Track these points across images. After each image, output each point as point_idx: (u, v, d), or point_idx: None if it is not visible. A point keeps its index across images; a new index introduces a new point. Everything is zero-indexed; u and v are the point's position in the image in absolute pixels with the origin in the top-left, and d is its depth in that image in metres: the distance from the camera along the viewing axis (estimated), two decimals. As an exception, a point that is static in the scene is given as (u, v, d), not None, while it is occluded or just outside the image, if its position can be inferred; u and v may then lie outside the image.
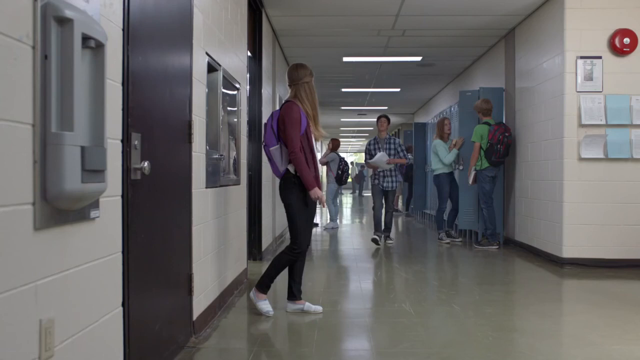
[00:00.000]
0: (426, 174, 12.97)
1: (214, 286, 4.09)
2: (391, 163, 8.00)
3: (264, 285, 4.21)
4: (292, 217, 4.11)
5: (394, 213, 8.67)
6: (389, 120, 8.38)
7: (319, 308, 4.29)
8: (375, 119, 8.45)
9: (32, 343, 1.71)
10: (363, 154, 10.17)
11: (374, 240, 8.13)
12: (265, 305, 4.18)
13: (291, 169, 4.07)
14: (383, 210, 8.33)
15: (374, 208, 8.39)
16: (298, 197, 4.09)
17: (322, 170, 15.15)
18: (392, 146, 8.17)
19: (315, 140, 4.25)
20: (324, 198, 4.11)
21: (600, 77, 6.16)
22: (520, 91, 7.73)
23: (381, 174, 8.16)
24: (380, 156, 7.98)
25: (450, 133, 8.72)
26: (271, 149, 4.08)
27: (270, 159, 4.14)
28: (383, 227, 8.28)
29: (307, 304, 4.27)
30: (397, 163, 8.17)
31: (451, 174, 8.47)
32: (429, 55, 9.71)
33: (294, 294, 4.25)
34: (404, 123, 20.50)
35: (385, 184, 8.16)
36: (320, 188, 4.15)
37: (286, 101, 4.18)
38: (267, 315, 4.14)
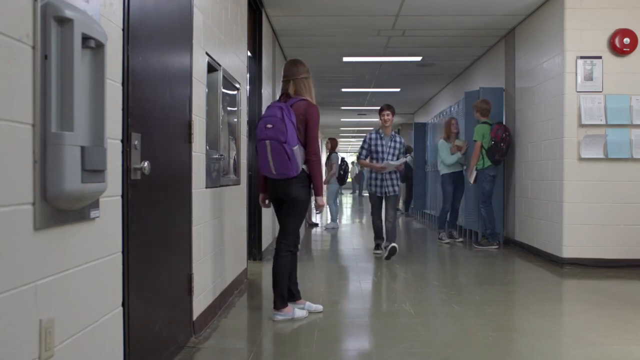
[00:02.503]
0: (426, 174, 12.97)
1: (214, 286, 4.09)
2: (399, 169, 6.85)
3: (284, 299, 4.05)
4: (300, 215, 4.06)
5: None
6: (394, 111, 6.97)
7: (320, 307, 4.29)
8: (378, 111, 7.02)
9: (32, 343, 1.71)
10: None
11: (377, 254, 7.08)
12: (299, 312, 4.10)
13: (305, 168, 3.98)
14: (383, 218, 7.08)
15: (372, 215, 7.11)
16: (310, 196, 4.08)
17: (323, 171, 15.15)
18: (398, 145, 6.89)
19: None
20: (322, 208, 4.12)
21: (600, 77, 6.16)
22: (520, 91, 7.73)
23: (379, 177, 6.84)
24: (399, 162, 6.73)
25: (458, 132, 8.69)
26: (294, 148, 3.82)
27: (289, 157, 3.81)
28: (384, 236, 7.00)
29: (308, 303, 4.27)
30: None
31: (454, 174, 8.45)
32: (429, 55, 9.71)
33: (293, 294, 4.25)
34: (404, 123, 20.50)
35: (386, 190, 6.84)
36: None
37: (301, 99, 3.99)
38: (306, 316, 4.10)
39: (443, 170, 8.52)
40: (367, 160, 6.90)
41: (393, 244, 6.71)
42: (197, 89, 3.63)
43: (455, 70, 11.21)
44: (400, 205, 15.42)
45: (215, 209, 4.15)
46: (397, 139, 6.94)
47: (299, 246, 4.22)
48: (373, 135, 6.88)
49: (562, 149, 6.23)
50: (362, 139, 6.93)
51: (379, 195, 6.90)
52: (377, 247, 7.22)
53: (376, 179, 6.87)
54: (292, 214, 4.03)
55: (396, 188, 6.89)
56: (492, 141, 7.63)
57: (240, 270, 5.21)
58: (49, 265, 1.80)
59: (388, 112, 6.87)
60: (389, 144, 6.82)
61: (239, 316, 4.28)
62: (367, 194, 7.14)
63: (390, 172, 6.83)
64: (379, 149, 6.80)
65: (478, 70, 10.15)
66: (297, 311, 4.10)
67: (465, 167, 8.39)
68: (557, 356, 3.35)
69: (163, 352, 2.98)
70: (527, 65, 7.44)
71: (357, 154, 6.89)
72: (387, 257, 6.69)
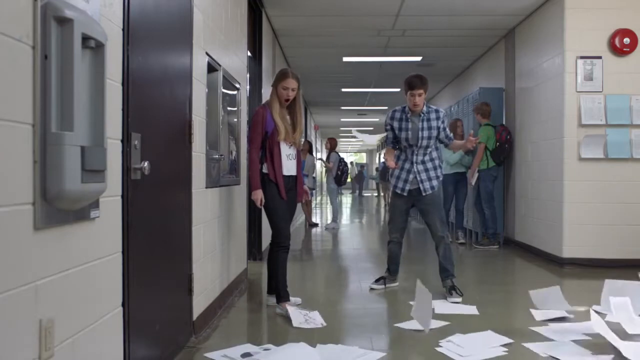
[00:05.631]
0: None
1: (214, 286, 4.09)
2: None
3: (285, 293, 4.22)
4: (267, 212, 4.26)
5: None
6: (427, 87, 4.77)
7: (298, 299, 4.44)
8: (404, 88, 4.78)
9: (32, 343, 1.71)
10: (363, 154, 9.18)
11: (376, 288, 5.06)
12: (293, 311, 4.10)
13: (264, 168, 4.20)
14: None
15: (390, 228, 4.99)
16: (272, 193, 4.18)
17: (321, 170, 15.14)
18: (435, 124, 4.71)
19: (294, 144, 4.29)
20: (259, 203, 4.17)
21: (600, 77, 6.16)
22: (520, 91, 7.73)
23: (407, 165, 4.75)
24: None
25: (463, 134, 8.69)
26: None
27: None
28: (439, 266, 4.93)
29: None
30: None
31: (456, 175, 8.44)
32: (429, 55, 9.71)
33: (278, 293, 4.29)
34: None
35: (420, 185, 4.71)
36: (299, 190, 4.36)
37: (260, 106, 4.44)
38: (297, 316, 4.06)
39: (445, 170, 8.52)
40: (391, 152, 4.82)
41: (455, 288, 4.63)
42: (197, 89, 3.63)
43: (455, 70, 11.21)
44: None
45: (215, 209, 4.15)
46: (432, 116, 4.73)
47: (285, 243, 4.26)
48: (396, 114, 4.81)
49: (562, 149, 6.23)
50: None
51: (406, 195, 4.76)
52: (380, 279, 5.14)
53: (402, 168, 4.76)
54: (265, 211, 4.31)
55: (435, 183, 4.73)
56: (497, 143, 7.70)
57: (240, 270, 5.21)
58: (49, 265, 1.80)
59: (420, 90, 4.64)
60: (420, 125, 4.69)
61: (239, 316, 4.28)
62: (390, 197, 5.20)
63: (424, 157, 4.73)
64: (402, 134, 4.72)
65: (478, 70, 10.15)
66: (291, 309, 4.10)
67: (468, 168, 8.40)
68: (557, 356, 3.34)
69: (163, 352, 2.98)
70: (527, 65, 7.44)
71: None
72: (450, 290, 4.68)
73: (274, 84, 4.30)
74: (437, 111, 4.77)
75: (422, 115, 4.70)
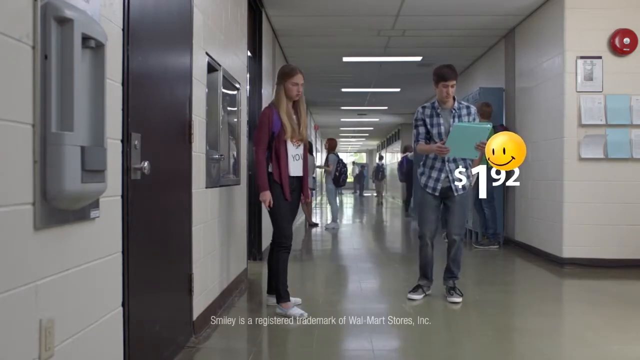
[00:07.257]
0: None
1: (214, 286, 4.09)
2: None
3: (285, 293, 4.20)
4: (271, 212, 4.24)
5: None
6: (457, 75, 4.68)
7: (298, 300, 4.39)
8: (435, 79, 4.68)
9: (32, 343, 1.71)
10: (363, 154, 9.15)
11: (414, 299, 4.67)
12: (295, 310, 4.11)
13: (269, 168, 4.17)
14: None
15: (421, 232, 4.75)
16: (275, 193, 4.16)
17: (320, 171, 15.11)
18: (466, 120, 4.56)
19: (301, 140, 4.26)
20: (267, 204, 4.15)
21: (600, 77, 6.16)
22: (520, 91, 7.73)
23: (438, 164, 4.56)
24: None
25: None
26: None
27: None
28: (445, 266, 4.82)
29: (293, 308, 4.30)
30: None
31: None
32: (429, 55, 9.71)
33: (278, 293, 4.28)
34: (404, 123, 20.49)
35: (452, 184, 4.55)
36: (305, 191, 4.34)
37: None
38: (303, 318, 4.04)
39: None
40: (425, 144, 4.60)
41: (456, 289, 4.64)
42: (197, 89, 3.63)
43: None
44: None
45: (215, 209, 4.15)
46: (464, 112, 4.59)
47: (287, 243, 4.24)
48: (427, 110, 4.63)
49: (562, 149, 6.23)
50: (414, 118, 4.74)
51: (438, 194, 4.58)
52: (418, 288, 4.77)
53: (432, 167, 4.59)
54: (269, 210, 4.24)
55: (466, 182, 4.58)
56: None
57: (240, 270, 5.21)
58: (49, 265, 1.80)
59: (454, 81, 4.58)
60: (450, 122, 4.53)
61: (239, 316, 4.28)
62: (419, 193, 4.81)
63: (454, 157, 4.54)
64: (434, 130, 4.55)
65: (478, 70, 10.16)
66: (294, 312, 4.09)
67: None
68: (557, 356, 3.35)
69: (163, 352, 2.98)
70: (527, 65, 7.44)
71: (413, 138, 4.82)
72: (449, 291, 4.67)
73: (279, 81, 4.23)
74: (468, 107, 4.62)
75: (454, 111, 4.56)
